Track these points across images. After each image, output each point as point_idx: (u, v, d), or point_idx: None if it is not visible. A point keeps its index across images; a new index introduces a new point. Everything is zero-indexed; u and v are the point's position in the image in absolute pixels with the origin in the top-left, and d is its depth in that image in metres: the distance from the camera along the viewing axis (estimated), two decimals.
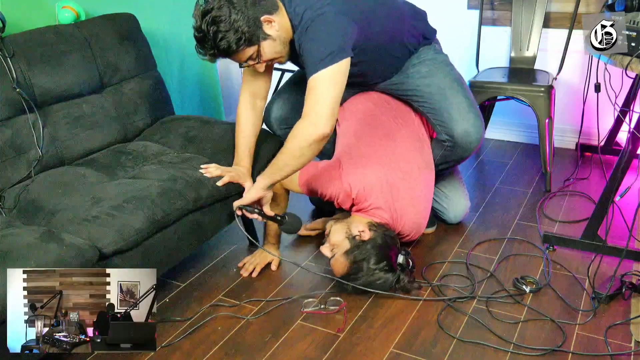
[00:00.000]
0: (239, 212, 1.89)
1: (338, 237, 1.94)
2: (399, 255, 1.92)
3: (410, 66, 2.17)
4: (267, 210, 1.93)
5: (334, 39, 1.74)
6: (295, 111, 2.17)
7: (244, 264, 2.17)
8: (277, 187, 2.00)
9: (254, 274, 2.11)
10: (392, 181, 2.00)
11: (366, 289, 1.91)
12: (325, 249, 1.98)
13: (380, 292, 1.92)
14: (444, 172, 2.30)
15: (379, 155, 2.05)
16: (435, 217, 2.39)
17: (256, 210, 1.89)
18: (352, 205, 2.01)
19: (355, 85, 2.17)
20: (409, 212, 2.04)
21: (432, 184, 2.18)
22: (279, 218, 1.93)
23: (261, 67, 1.85)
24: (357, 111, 2.24)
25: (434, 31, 2.24)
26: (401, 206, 2.01)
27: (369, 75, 2.16)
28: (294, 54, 1.88)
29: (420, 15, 2.20)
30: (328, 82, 1.73)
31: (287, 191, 2.16)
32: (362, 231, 1.92)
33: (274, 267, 2.16)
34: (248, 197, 1.88)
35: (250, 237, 1.97)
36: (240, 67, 1.87)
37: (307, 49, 1.77)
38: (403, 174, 2.04)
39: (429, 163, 2.17)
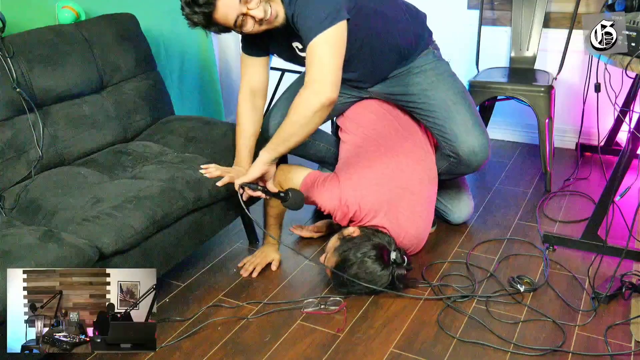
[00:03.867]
0: (241, 190, 1.84)
1: (332, 241, 1.99)
2: (392, 252, 1.91)
3: (411, 75, 2.10)
4: (271, 186, 1.88)
5: (328, 2, 1.71)
6: None
7: (244, 264, 2.16)
8: (276, 186, 1.99)
9: (254, 274, 2.11)
10: (391, 200, 2.00)
11: (359, 290, 1.92)
12: (322, 257, 2.01)
13: (379, 289, 1.92)
14: (446, 181, 2.29)
15: (378, 174, 2.02)
16: (439, 217, 2.39)
17: (259, 187, 1.85)
18: (351, 221, 2.03)
19: (347, 85, 2.13)
20: (408, 228, 2.03)
21: (434, 197, 2.17)
22: (282, 195, 1.88)
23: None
24: (360, 123, 2.21)
25: (430, 32, 2.17)
26: (400, 223, 2.01)
27: (360, 74, 2.08)
28: (289, 30, 1.81)
29: (419, 17, 2.15)
30: (327, 45, 1.69)
31: None
32: (354, 231, 1.95)
33: (274, 267, 2.15)
34: (251, 173, 1.82)
35: (254, 221, 1.93)
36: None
37: (301, 16, 1.72)
38: (404, 191, 2.03)
39: (431, 176, 2.14)
